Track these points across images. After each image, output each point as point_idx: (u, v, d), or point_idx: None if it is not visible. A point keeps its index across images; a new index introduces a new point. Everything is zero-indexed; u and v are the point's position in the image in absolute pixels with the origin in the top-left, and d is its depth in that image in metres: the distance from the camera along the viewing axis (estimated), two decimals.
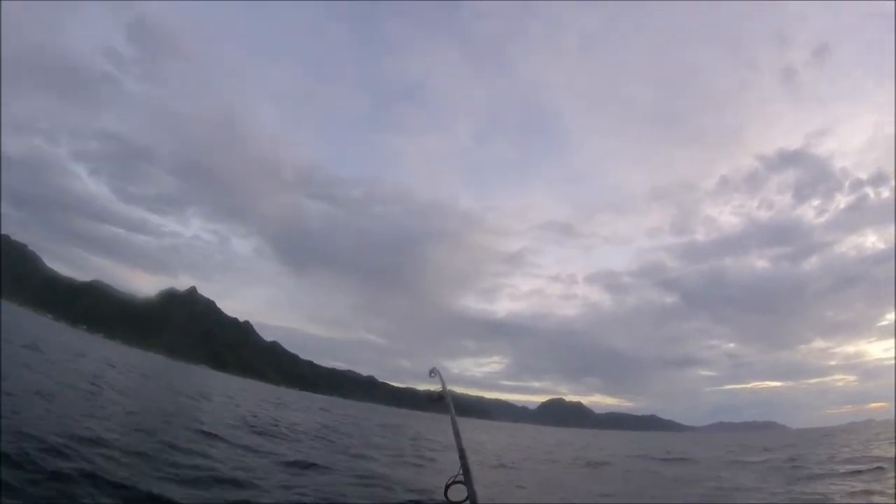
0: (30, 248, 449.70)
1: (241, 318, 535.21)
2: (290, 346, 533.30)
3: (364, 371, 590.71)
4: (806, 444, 32.88)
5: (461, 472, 2.57)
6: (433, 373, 3.80)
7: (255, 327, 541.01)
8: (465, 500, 2.41)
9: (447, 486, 2.51)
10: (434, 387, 3.50)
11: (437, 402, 3.43)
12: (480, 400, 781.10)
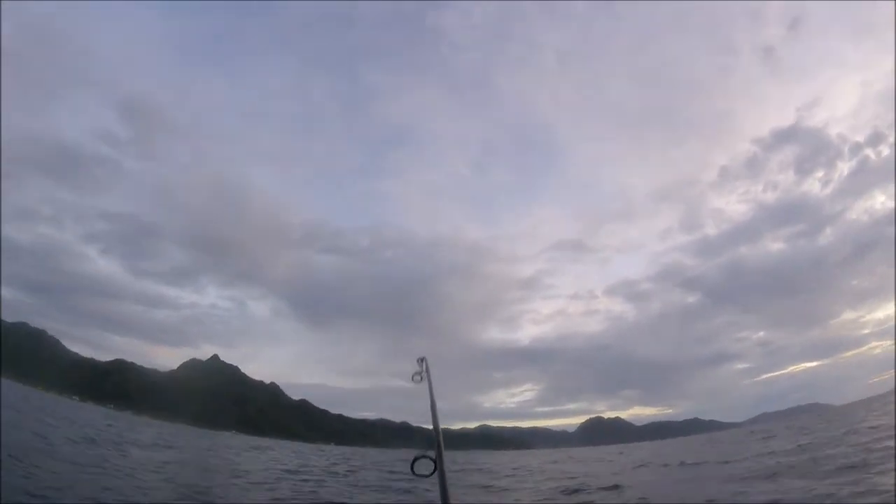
0: (49, 333, 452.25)
1: (268, 381, 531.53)
2: (319, 402, 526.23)
3: (396, 418, 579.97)
4: (840, 423, 30.18)
5: (435, 449, 2.52)
6: (421, 362, 3.72)
7: (283, 387, 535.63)
8: (433, 472, 2.39)
9: (415, 460, 2.51)
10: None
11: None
12: (517, 430, 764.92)
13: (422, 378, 3.51)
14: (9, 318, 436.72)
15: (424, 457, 2.58)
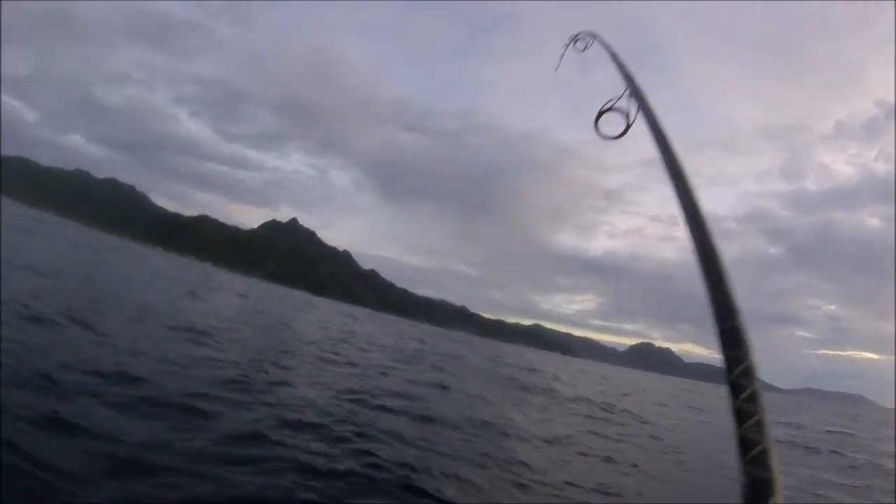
0: (138, 188, 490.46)
1: (341, 248, 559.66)
2: (387, 275, 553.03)
3: (456, 301, 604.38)
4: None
5: (623, 96, 1.85)
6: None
7: (354, 256, 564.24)
8: (624, 132, 1.83)
9: (600, 114, 1.87)
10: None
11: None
12: (568, 336, 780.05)
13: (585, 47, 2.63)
14: (99, 174, 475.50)
15: (613, 108, 1.82)
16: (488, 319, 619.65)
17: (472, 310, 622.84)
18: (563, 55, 2.98)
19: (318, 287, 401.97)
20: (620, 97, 1.87)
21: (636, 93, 1.88)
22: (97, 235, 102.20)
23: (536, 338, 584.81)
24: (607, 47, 2.48)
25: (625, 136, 1.86)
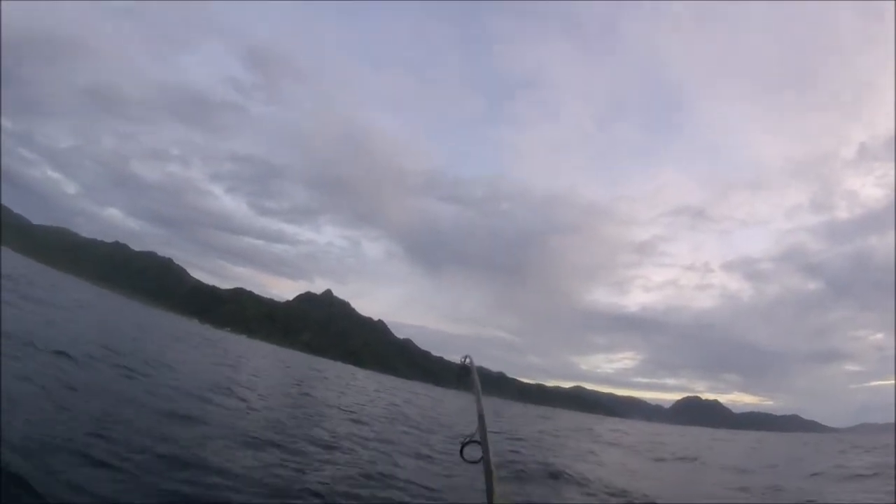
0: (175, 261, 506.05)
1: (375, 318, 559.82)
2: (422, 343, 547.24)
3: (494, 367, 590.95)
4: None
5: (477, 432, 2.58)
6: (466, 358, 3.77)
7: (389, 326, 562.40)
8: (479, 460, 2.43)
9: (463, 446, 2.57)
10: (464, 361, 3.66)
11: (463, 376, 3.55)
12: (611, 397, 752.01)
13: (468, 373, 3.58)
14: (137, 246, 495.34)
15: (474, 441, 2.50)
16: (527, 384, 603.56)
17: (511, 375, 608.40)
18: (458, 374, 3.77)
19: (353, 357, 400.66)
20: (474, 434, 2.54)
21: (482, 421, 2.62)
22: (139, 308, 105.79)
23: (579, 400, 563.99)
24: (473, 370, 3.57)
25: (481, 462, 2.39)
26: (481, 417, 2.60)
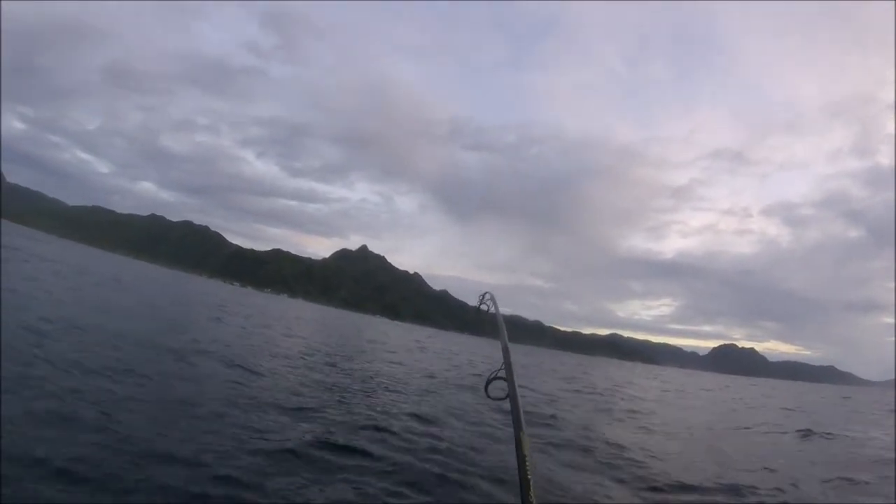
0: (212, 228, 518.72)
1: (412, 270, 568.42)
2: (459, 294, 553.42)
3: (530, 316, 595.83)
4: None
5: (503, 368, 2.49)
6: (485, 294, 3.59)
7: (425, 278, 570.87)
8: (505, 398, 2.37)
9: (488, 383, 2.47)
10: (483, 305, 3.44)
11: (479, 317, 3.41)
12: (647, 344, 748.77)
13: (488, 308, 3.37)
14: (174, 217, 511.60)
15: (499, 378, 2.40)
16: (564, 332, 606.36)
17: (548, 323, 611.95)
18: (478, 309, 3.51)
19: (391, 310, 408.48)
20: (500, 369, 2.46)
21: (507, 356, 2.51)
22: (180, 276, 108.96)
23: (614, 347, 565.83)
24: (496, 307, 3.33)
25: (508, 398, 2.34)
26: (506, 351, 2.52)
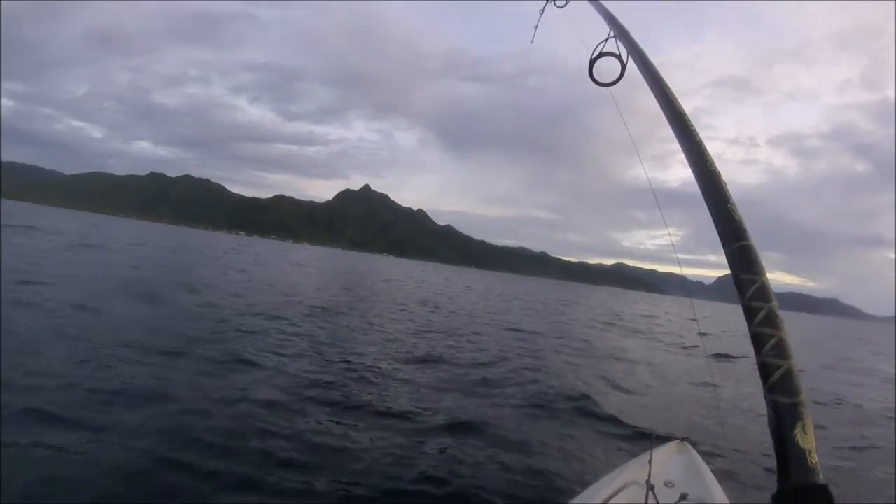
0: (212, 180, 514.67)
1: (415, 207, 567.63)
2: (463, 229, 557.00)
3: (535, 247, 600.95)
4: None
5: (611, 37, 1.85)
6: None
7: (429, 214, 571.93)
8: (616, 80, 1.82)
9: (592, 62, 1.83)
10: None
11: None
12: (653, 273, 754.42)
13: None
14: (173, 173, 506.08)
15: (608, 53, 1.84)
16: (570, 262, 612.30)
17: (553, 254, 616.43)
18: (538, 21, 2.98)
19: (397, 247, 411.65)
20: (607, 40, 1.88)
21: (623, 35, 1.88)
22: (186, 232, 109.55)
23: (620, 277, 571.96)
24: None
25: (622, 80, 1.87)
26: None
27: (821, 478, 0.73)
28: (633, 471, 2.98)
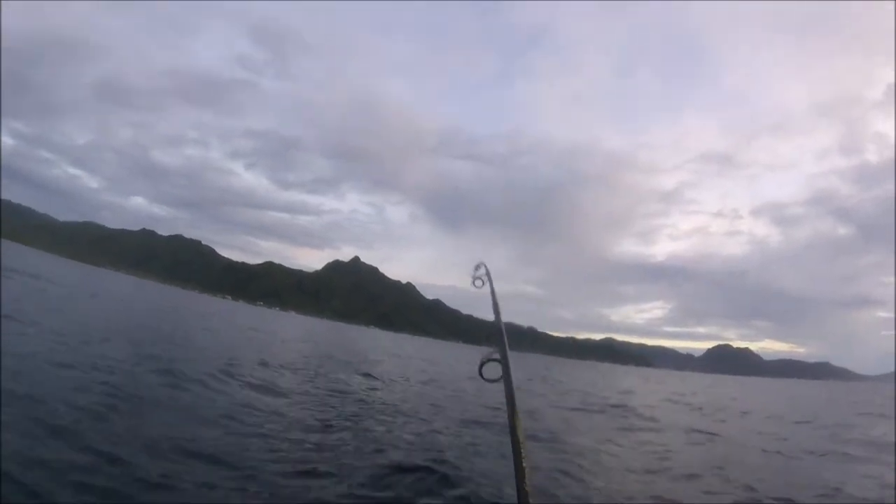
0: (203, 242, 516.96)
1: (404, 280, 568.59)
2: (452, 303, 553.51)
3: (524, 322, 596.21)
4: None
5: (496, 350, 2.23)
6: (479, 267, 3.22)
7: (418, 287, 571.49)
8: (499, 378, 2.15)
9: (482, 364, 2.19)
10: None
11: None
12: (642, 347, 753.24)
13: (483, 283, 3.15)
14: (165, 231, 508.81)
15: (493, 360, 2.19)
16: (558, 338, 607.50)
17: (542, 330, 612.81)
18: (472, 281, 3.23)
19: (385, 320, 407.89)
20: (493, 352, 2.21)
21: (502, 338, 2.26)
22: (172, 291, 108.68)
23: (609, 351, 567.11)
24: (490, 281, 3.04)
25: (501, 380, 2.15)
26: (501, 333, 2.39)
27: None
28: None
